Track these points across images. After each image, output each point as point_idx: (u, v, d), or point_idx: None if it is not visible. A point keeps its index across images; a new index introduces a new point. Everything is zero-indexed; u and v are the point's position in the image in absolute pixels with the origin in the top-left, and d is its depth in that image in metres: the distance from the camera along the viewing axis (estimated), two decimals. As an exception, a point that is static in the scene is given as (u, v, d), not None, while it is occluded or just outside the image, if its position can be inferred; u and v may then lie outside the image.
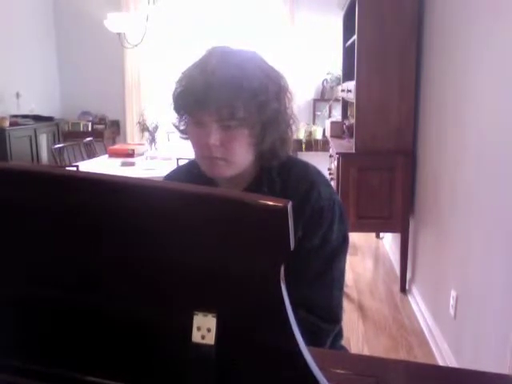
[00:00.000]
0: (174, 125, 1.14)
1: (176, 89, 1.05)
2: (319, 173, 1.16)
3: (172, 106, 1.08)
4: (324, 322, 1.10)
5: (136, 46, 4.64)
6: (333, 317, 1.12)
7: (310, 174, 1.13)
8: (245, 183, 1.13)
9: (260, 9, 5.42)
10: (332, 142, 3.88)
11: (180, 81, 1.05)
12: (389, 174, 3.17)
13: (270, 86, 1.03)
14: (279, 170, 1.13)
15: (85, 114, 5.86)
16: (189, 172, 1.19)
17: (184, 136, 1.14)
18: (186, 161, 1.30)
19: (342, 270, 1.15)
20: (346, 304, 3.13)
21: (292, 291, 1.08)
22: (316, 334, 1.07)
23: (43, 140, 5.17)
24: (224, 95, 0.98)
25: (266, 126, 1.04)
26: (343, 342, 1.28)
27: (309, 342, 1.06)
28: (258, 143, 1.06)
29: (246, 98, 0.99)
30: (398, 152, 3.13)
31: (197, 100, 1.00)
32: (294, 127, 1.12)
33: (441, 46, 2.72)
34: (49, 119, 5.33)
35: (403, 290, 3.31)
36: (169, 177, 1.28)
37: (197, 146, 1.07)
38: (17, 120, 4.80)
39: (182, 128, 1.12)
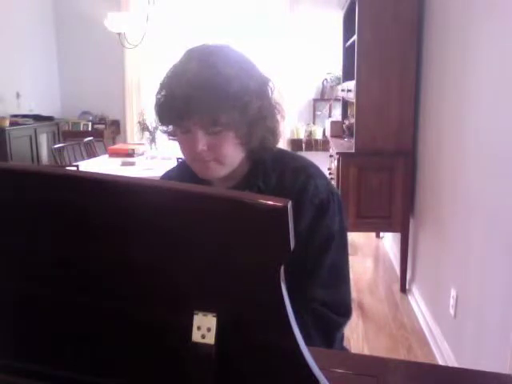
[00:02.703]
0: (161, 130, 1.14)
1: (158, 100, 1.05)
2: (313, 165, 1.17)
3: (157, 118, 1.09)
4: (337, 315, 1.11)
5: (136, 45, 4.64)
6: (344, 310, 1.13)
7: (305, 167, 1.14)
8: (238, 177, 1.14)
9: (260, 9, 5.42)
10: (332, 142, 3.88)
11: (160, 92, 1.04)
12: (389, 174, 3.17)
13: (251, 84, 1.02)
14: (273, 162, 1.13)
15: (85, 113, 5.86)
16: (182, 172, 1.19)
17: (173, 138, 1.13)
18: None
19: (348, 261, 1.16)
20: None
21: (305, 287, 1.09)
22: (329, 326, 1.09)
23: (43, 140, 5.17)
24: (204, 104, 0.98)
25: (251, 124, 1.04)
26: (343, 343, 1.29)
27: (322, 335, 1.07)
28: (247, 142, 1.06)
29: (228, 104, 0.98)
30: (398, 152, 3.13)
31: (179, 111, 1.00)
32: (279, 116, 1.12)
33: (441, 47, 2.72)
34: (49, 119, 5.33)
35: (403, 289, 3.32)
36: (163, 178, 1.28)
37: (186, 151, 1.08)
38: (17, 120, 4.80)
39: (170, 131, 1.12)
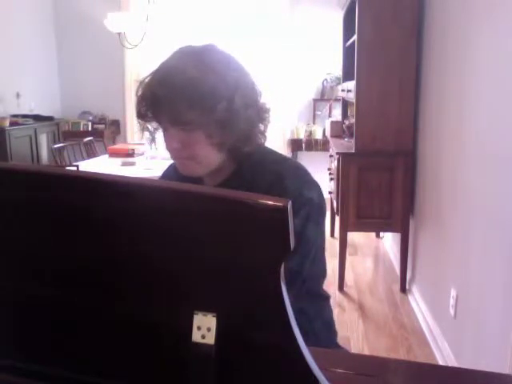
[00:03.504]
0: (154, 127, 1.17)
1: (137, 98, 1.10)
2: (296, 167, 1.16)
3: (136, 114, 1.13)
4: None
5: (136, 45, 4.64)
6: None
7: (282, 168, 1.13)
8: (225, 175, 1.16)
9: (260, 8, 5.42)
10: (332, 142, 3.87)
11: (138, 89, 1.09)
12: (389, 174, 3.17)
13: (220, 87, 1.02)
14: (258, 163, 1.14)
15: (85, 113, 5.86)
16: (177, 171, 1.20)
17: None
18: None
19: (300, 269, 1.10)
20: (346, 304, 3.13)
21: None
22: None
23: (43, 140, 5.17)
24: (168, 103, 1.02)
25: (220, 126, 1.04)
26: (343, 343, 1.28)
27: None
28: (221, 142, 1.07)
29: (190, 104, 1.01)
30: (398, 152, 3.13)
31: (148, 109, 1.07)
32: (266, 121, 1.13)
33: (441, 46, 2.72)
34: (49, 119, 5.33)
35: (403, 289, 3.31)
36: (162, 177, 1.33)
37: (166, 148, 1.12)
38: (17, 120, 4.80)
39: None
